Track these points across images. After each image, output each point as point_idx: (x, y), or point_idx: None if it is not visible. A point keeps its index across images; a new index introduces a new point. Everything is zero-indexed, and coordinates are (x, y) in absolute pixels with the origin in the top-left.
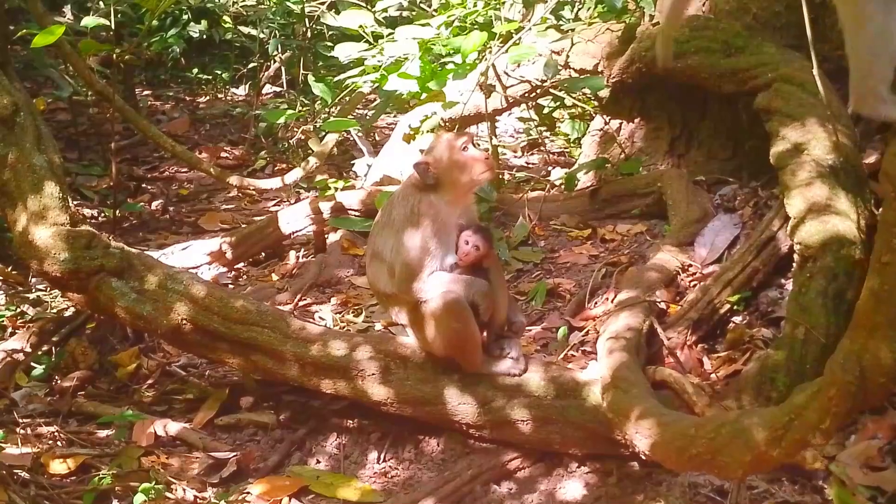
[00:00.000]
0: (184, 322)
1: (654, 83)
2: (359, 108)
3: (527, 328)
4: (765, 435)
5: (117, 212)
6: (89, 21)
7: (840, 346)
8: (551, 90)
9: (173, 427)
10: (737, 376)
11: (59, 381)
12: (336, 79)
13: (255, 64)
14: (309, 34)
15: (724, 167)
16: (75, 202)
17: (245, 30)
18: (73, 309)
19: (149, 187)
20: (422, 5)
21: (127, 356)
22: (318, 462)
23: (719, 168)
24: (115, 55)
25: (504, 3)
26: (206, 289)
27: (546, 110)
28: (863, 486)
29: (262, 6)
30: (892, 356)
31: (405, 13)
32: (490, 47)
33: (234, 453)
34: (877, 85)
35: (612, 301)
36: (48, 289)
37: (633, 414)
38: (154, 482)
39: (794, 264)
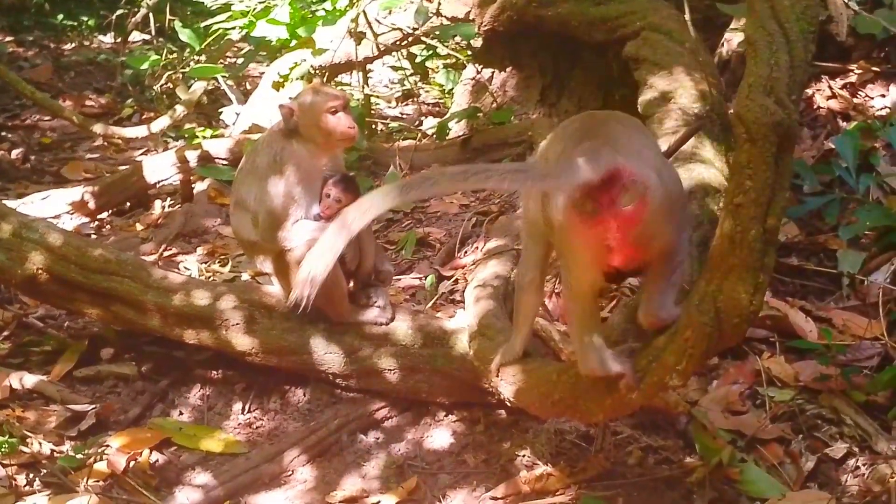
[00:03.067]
0: (39, 271)
1: (525, 31)
2: (229, 56)
3: (396, 277)
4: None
5: None
6: None
7: (695, 288)
8: (423, 38)
9: (30, 380)
10: (604, 324)
11: None
12: (204, 24)
13: (123, 10)
14: None
15: None
16: None
17: None
18: None
19: (9, 135)
20: None
21: None
22: (181, 414)
23: None
24: None
25: None
26: (62, 237)
27: (419, 59)
28: (723, 430)
29: None
30: (747, 297)
31: None
32: None
33: (94, 406)
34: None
35: (481, 250)
36: None
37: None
38: (8, 436)
39: None
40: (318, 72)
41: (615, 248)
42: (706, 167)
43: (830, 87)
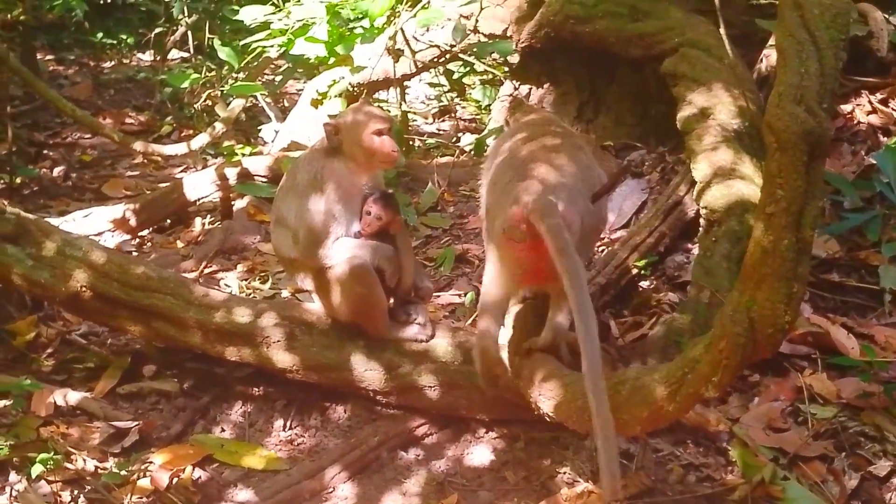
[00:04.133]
0: (83, 289)
1: (562, 48)
2: (267, 74)
3: (435, 294)
4: (661, 390)
5: (15, 178)
6: None
7: (729, 299)
8: (460, 55)
9: (73, 396)
10: (643, 340)
11: None
12: (242, 42)
13: (161, 28)
14: None
15: (631, 132)
16: None
17: None
18: None
19: (50, 153)
20: None
21: (25, 324)
22: (223, 430)
23: (627, 133)
24: (10, 15)
25: None
26: (105, 255)
27: (456, 76)
28: (765, 447)
29: None
30: (782, 307)
31: None
32: (398, 11)
33: (136, 422)
34: None
35: None
36: None
37: (536, 377)
38: (53, 452)
39: (700, 228)
40: (356, 89)
41: (529, 269)
42: (745, 184)
43: (871, 102)
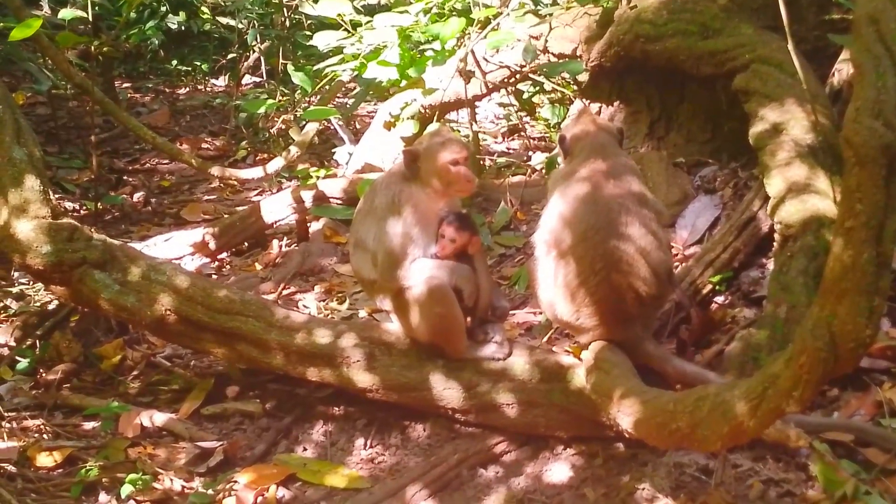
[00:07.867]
0: (168, 312)
1: (632, 66)
2: (339, 97)
3: (510, 313)
4: (742, 406)
5: (98, 204)
6: (67, 14)
7: (809, 314)
8: (530, 75)
9: (159, 418)
10: (720, 356)
11: (43, 375)
12: (315, 67)
13: (235, 54)
14: (287, 23)
15: (703, 149)
16: (56, 195)
17: (223, 20)
18: (56, 302)
19: (130, 179)
20: None
21: (111, 348)
22: (305, 450)
23: (699, 150)
24: (93, 48)
25: None
26: (189, 279)
27: (526, 95)
28: (847, 461)
29: None
30: (862, 321)
31: (383, 1)
32: (468, 33)
33: (221, 442)
34: None
35: None
36: (31, 282)
37: (615, 394)
38: (141, 473)
39: (775, 244)
40: (428, 111)
41: None
42: (820, 198)
43: None
